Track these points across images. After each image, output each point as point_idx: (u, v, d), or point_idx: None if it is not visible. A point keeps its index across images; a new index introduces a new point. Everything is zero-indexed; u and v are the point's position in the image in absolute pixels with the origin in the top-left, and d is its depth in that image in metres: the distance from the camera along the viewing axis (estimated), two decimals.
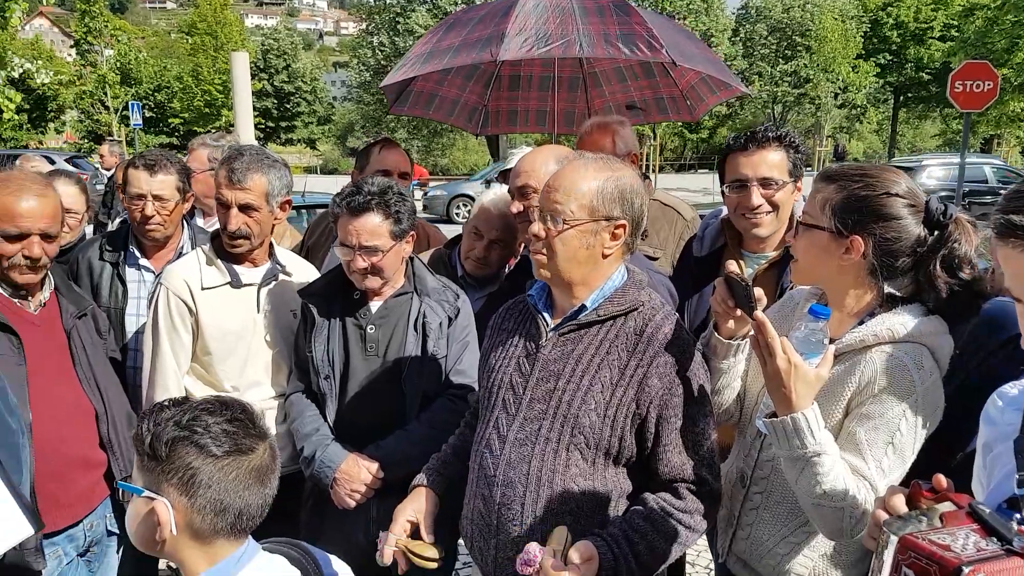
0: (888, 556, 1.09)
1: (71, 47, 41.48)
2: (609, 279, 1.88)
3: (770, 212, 2.49)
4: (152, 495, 1.33)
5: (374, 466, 2.44)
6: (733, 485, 2.05)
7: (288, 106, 55.21)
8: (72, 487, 2.38)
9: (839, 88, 41.75)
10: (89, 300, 2.66)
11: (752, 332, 1.73)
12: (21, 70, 14.28)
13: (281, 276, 2.80)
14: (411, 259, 2.62)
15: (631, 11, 3.90)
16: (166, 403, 1.40)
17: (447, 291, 2.62)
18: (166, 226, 2.97)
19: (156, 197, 2.91)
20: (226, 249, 2.68)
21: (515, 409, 1.89)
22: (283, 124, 55.65)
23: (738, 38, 42.89)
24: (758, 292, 1.77)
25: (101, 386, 2.49)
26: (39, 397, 2.27)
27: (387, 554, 1.95)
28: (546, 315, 1.93)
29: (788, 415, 1.63)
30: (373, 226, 2.39)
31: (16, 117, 13.30)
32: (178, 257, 3.01)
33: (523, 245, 2.89)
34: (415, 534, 2.02)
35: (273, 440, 1.43)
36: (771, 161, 2.47)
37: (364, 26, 41.86)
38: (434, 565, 1.96)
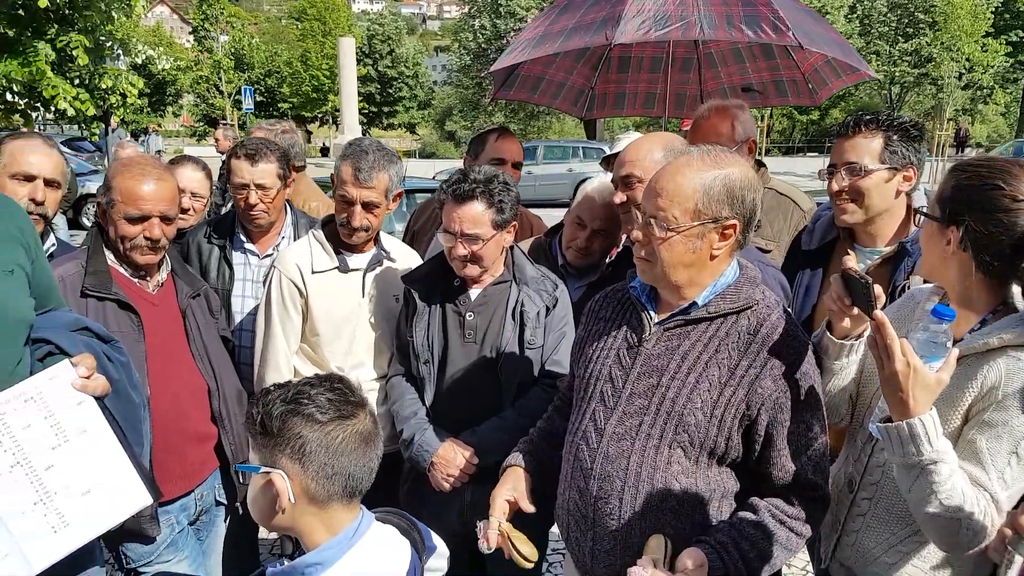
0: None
1: (189, 33, 43.62)
2: (721, 275, 1.81)
3: (855, 199, 2.37)
4: (268, 469, 1.41)
5: (468, 452, 2.48)
6: (840, 490, 1.97)
7: (390, 91, 56.25)
8: (186, 459, 2.52)
9: (964, 68, 39.20)
10: (202, 281, 2.78)
11: (868, 332, 1.66)
12: (144, 57, 15.10)
13: (385, 262, 2.86)
14: (511, 248, 2.63)
15: None
16: (271, 388, 1.50)
17: (546, 280, 2.62)
18: (269, 213, 3.06)
19: (258, 186, 3.00)
20: (341, 238, 2.77)
21: (614, 403, 1.86)
22: (385, 109, 56.80)
23: (855, 15, 40.84)
24: (877, 290, 1.68)
25: (213, 363, 2.61)
26: (156, 373, 2.40)
27: (492, 539, 1.96)
28: (650, 309, 1.89)
29: (904, 420, 1.55)
30: (476, 214, 2.41)
31: (138, 101, 14.10)
32: (281, 241, 3.13)
33: (626, 235, 2.86)
34: (514, 518, 2.03)
35: (372, 408, 1.52)
36: (862, 146, 2.34)
37: (466, 9, 42.16)
38: (529, 565, 1.95)
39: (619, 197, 2.58)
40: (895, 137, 2.33)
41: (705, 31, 3.61)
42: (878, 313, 1.60)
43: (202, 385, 2.57)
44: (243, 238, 3.12)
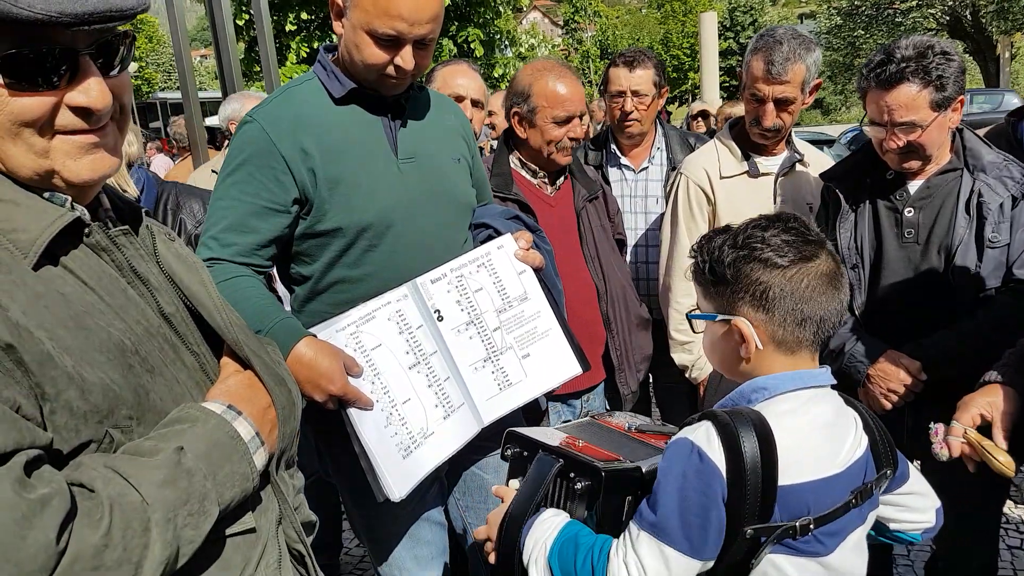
0: None
1: (561, 28, 46.71)
2: None
3: None
4: (728, 317, 1.31)
5: (915, 365, 2.13)
6: None
7: None
8: None
9: None
10: (599, 184, 2.75)
11: None
12: (527, 46, 16.48)
13: (798, 166, 2.63)
14: (960, 130, 2.21)
15: None
16: (711, 233, 1.40)
17: (1010, 166, 2.14)
18: (643, 122, 2.96)
19: (634, 93, 2.93)
20: (752, 140, 2.60)
21: None
22: None
23: None
24: None
25: (604, 266, 2.58)
26: None
27: (955, 447, 1.66)
28: None
29: None
30: (908, 98, 2.05)
31: None
32: (656, 153, 3.05)
33: None
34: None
35: (831, 246, 1.34)
36: None
37: None
38: (1010, 472, 1.61)
39: None
40: None
41: None
42: None
43: (592, 287, 2.56)
44: (618, 153, 3.07)
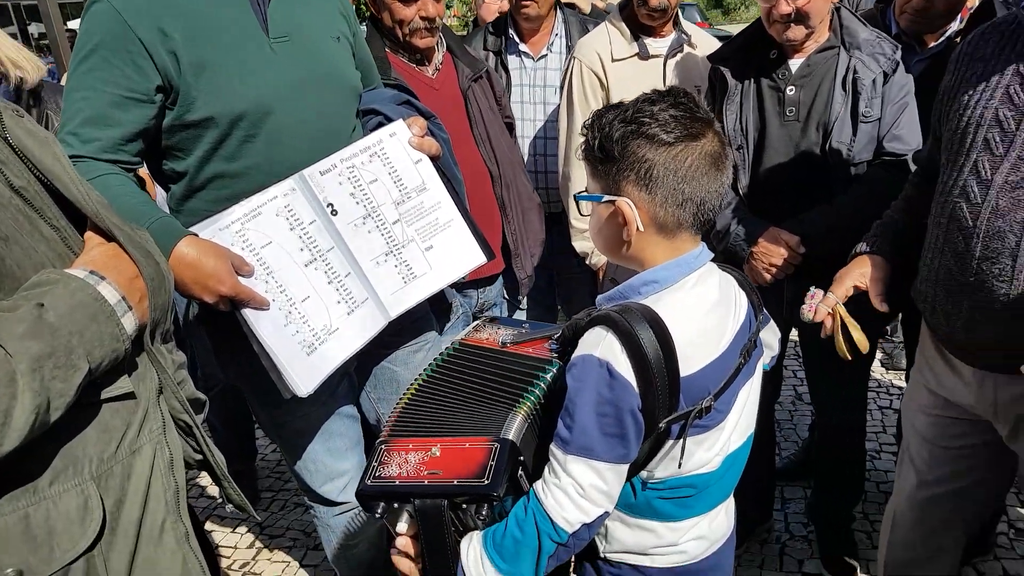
0: None
1: None
2: None
3: None
4: (612, 197, 1.29)
5: (794, 239, 2.25)
6: None
7: None
8: None
9: None
10: (483, 62, 2.63)
11: None
12: None
13: (686, 47, 2.65)
14: (838, 8, 2.27)
15: None
16: (603, 109, 1.33)
17: (882, 43, 2.23)
18: (540, 3, 2.84)
19: None
20: (640, 21, 2.58)
21: (1005, 148, 1.52)
22: None
23: None
24: None
25: (496, 149, 2.51)
26: None
27: (820, 312, 1.80)
28: None
29: None
30: None
31: None
32: (554, 39, 2.98)
33: None
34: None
35: (718, 127, 1.31)
36: None
37: None
38: (847, 356, 1.81)
39: None
40: None
41: None
42: None
43: (484, 171, 2.49)
44: (517, 39, 2.97)
